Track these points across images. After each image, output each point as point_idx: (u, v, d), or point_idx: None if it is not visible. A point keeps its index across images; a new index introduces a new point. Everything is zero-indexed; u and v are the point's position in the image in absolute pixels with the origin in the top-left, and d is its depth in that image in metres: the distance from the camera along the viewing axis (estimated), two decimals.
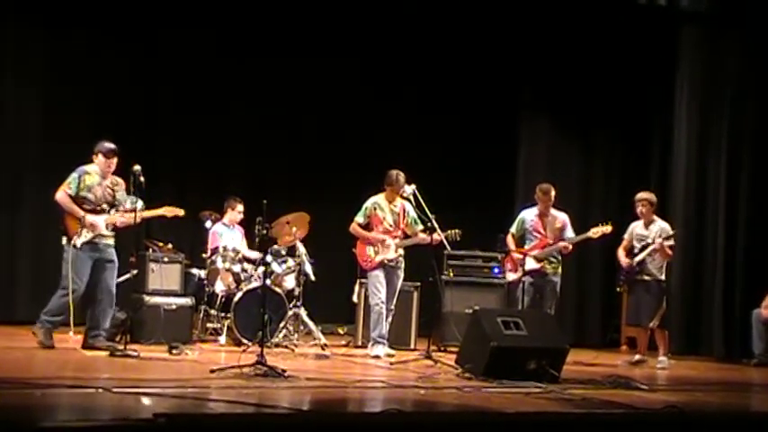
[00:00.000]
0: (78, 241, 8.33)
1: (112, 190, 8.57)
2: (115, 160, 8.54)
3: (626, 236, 10.04)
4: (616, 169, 12.86)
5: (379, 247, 9.28)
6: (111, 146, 8.54)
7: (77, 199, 8.43)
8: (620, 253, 9.97)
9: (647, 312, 9.75)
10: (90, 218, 8.41)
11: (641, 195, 10.04)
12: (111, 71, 11.14)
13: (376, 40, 12.13)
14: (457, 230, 9.10)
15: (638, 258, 9.80)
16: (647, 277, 9.79)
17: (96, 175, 8.52)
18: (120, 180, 8.60)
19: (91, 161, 8.56)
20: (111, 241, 8.55)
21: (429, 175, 9.94)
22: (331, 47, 11.94)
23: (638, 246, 9.85)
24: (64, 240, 8.41)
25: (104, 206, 8.50)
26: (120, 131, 10.90)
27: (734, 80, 11.82)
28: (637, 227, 9.99)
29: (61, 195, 8.44)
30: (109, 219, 8.49)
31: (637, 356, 9.98)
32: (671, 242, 9.85)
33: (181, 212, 8.84)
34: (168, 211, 8.69)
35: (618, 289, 10.24)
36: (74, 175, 8.47)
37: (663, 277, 9.85)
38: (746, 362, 10.77)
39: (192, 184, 11.65)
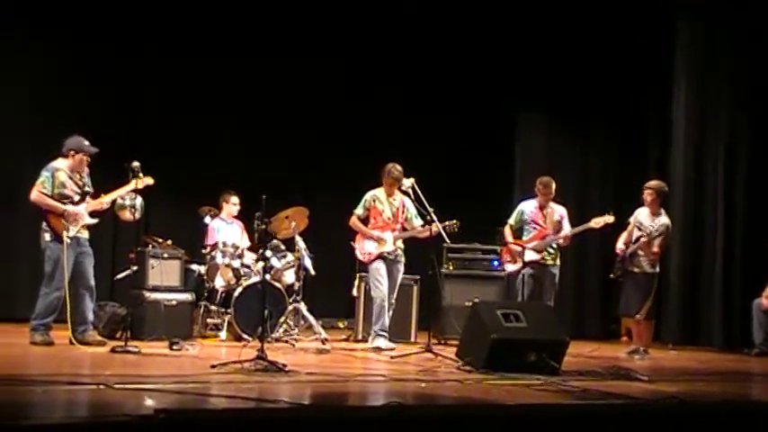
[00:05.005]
0: (68, 235, 8.28)
1: (81, 178, 8.54)
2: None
3: (631, 219, 9.93)
4: (614, 162, 12.86)
5: (377, 241, 9.30)
6: (93, 148, 8.50)
7: (53, 197, 8.39)
8: (620, 239, 9.92)
9: (635, 305, 9.74)
10: (72, 209, 8.38)
11: (648, 183, 9.97)
12: (107, 67, 11.12)
13: (375, 38, 12.14)
14: (455, 221, 9.09)
15: (630, 249, 9.79)
16: (636, 269, 9.76)
17: (66, 170, 8.47)
18: (85, 167, 8.57)
19: (58, 157, 8.49)
20: (87, 234, 8.55)
21: (428, 169, 9.94)
22: (330, 44, 11.94)
23: (636, 234, 9.79)
24: (47, 237, 8.34)
25: (77, 197, 8.46)
26: (118, 129, 11.00)
27: (731, 74, 11.82)
28: (640, 214, 9.90)
29: (36, 195, 8.37)
30: (89, 206, 8.48)
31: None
32: (658, 240, 9.70)
33: (150, 181, 8.60)
34: (139, 182, 8.44)
35: (611, 276, 10.11)
36: (45, 174, 8.40)
37: (653, 270, 9.76)
38: (747, 352, 10.78)
39: (191, 180, 11.63)
